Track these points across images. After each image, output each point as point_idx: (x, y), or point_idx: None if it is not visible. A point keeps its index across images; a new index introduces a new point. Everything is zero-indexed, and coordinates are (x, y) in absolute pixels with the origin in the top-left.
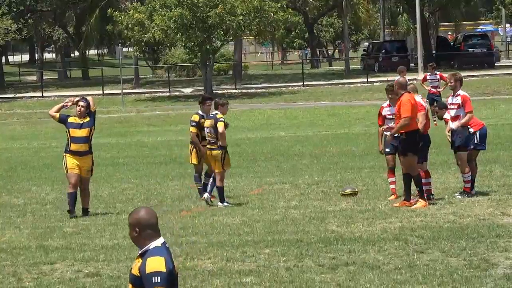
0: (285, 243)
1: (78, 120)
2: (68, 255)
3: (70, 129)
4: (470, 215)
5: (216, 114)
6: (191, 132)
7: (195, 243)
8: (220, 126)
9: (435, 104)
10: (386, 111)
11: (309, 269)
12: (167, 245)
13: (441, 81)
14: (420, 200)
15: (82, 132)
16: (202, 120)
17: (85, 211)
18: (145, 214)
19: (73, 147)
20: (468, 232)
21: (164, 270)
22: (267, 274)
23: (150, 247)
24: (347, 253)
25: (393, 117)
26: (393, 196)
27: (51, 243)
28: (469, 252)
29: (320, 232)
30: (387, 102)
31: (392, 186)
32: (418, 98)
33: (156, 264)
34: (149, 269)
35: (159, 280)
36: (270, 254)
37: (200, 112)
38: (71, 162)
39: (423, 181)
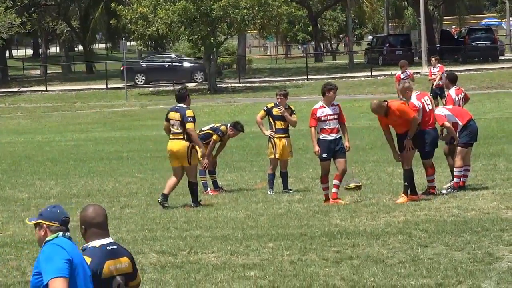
0: (289, 237)
1: None
2: None
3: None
4: (474, 209)
5: (289, 105)
6: (213, 139)
7: (199, 237)
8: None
9: (439, 98)
10: (320, 113)
11: (313, 262)
12: (109, 247)
13: (439, 73)
14: (403, 195)
15: None
16: (223, 137)
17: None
18: (91, 212)
19: None
20: (472, 226)
21: None
22: (271, 267)
23: (89, 246)
24: (351, 247)
25: (329, 118)
26: (328, 202)
27: None
28: (473, 245)
29: (324, 226)
30: (320, 103)
31: (326, 192)
32: (413, 97)
33: None
34: None
35: None
36: (274, 248)
37: (228, 127)
38: None
39: (430, 178)
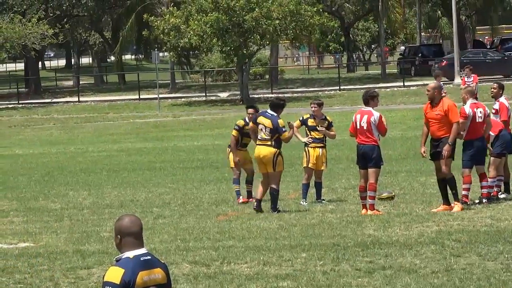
0: (322, 247)
1: None
2: (105, 259)
3: None
4: (507, 219)
5: (326, 116)
6: (232, 135)
7: (232, 247)
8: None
9: None
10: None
11: (346, 273)
12: (143, 258)
13: (474, 83)
14: (456, 203)
15: None
16: (246, 127)
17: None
18: (127, 222)
19: None
20: (505, 235)
21: (117, 282)
22: (304, 278)
23: (123, 256)
24: (384, 257)
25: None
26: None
27: (88, 247)
28: (506, 255)
29: (357, 236)
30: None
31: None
32: (467, 104)
33: (112, 274)
34: (105, 277)
35: None
36: (307, 258)
37: (246, 118)
38: None
39: (482, 184)
